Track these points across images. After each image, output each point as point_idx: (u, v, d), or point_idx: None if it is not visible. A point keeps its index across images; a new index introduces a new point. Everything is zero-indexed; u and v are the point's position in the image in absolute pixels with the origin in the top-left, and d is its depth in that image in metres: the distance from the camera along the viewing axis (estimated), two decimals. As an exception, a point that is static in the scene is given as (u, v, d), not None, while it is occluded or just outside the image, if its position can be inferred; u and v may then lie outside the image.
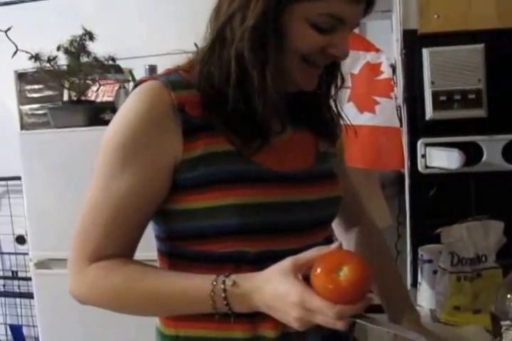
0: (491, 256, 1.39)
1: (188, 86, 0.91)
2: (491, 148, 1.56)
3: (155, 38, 2.66)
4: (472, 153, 1.57)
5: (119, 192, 0.88)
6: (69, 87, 2.09)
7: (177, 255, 0.95)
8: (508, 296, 1.09)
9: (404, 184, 1.67)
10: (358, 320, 0.79)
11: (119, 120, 0.90)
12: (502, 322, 1.09)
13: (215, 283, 0.83)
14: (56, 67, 1.99)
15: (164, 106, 0.88)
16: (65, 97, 2.35)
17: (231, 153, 0.90)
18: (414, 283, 1.59)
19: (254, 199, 0.89)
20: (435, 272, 1.45)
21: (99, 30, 2.15)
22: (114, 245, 0.90)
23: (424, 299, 1.51)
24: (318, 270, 0.79)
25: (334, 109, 1.05)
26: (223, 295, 0.83)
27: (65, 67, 2.06)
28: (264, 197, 0.90)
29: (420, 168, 1.60)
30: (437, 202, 1.60)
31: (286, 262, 0.82)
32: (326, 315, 0.77)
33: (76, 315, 2.03)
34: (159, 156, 0.88)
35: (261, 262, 0.88)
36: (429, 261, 1.48)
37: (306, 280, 0.80)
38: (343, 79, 1.01)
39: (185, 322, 0.94)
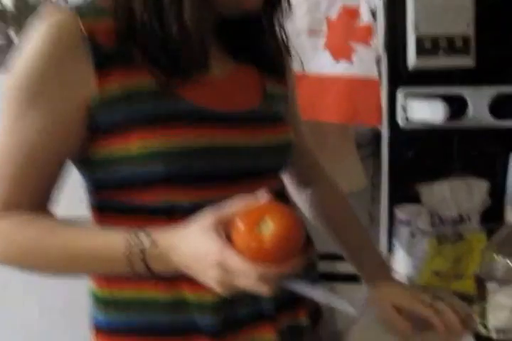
0: (475, 217, 1.31)
1: (102, 12, 0.78)
2: (477, 102, 1.44)
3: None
4: (456, 107, 1.44)
5: (27, 136, 0.77)
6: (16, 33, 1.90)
7: (106, 208, 0.84)
8: (495, 257, 1.00)
9: (380, 144, 1.53)
10: (284, 285, 0.69)
11: (21, 56, 0.78)
12: (488, 284, 0.98)
13: (131, 241, 0.72)
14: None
15: (70, 36, 0.76)
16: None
17: (155, 90, 0.78)
18: (390, 249, 1.47)
19: (181, 144, 0.77)
20: (413, 236, 1.34)
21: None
22: (25, 195, 0.80)
23: (401, 265, 1.39)
24: (239, 224, 0.67)
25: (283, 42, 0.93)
26: (141, 256, 0.72)
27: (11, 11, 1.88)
28: (196, 141, 0.79)
29: (400, 120, 1.46)
30: (417, 160, 1.47)
31: (208, 216, 0.70)
32: (249, 277, 0.65)
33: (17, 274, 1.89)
34: (69, 91, 0.76)
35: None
36: (407, 223, 1.37)
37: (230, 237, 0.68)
38: (289, 3, 0.90)
39: (122, 283, 0.82)
